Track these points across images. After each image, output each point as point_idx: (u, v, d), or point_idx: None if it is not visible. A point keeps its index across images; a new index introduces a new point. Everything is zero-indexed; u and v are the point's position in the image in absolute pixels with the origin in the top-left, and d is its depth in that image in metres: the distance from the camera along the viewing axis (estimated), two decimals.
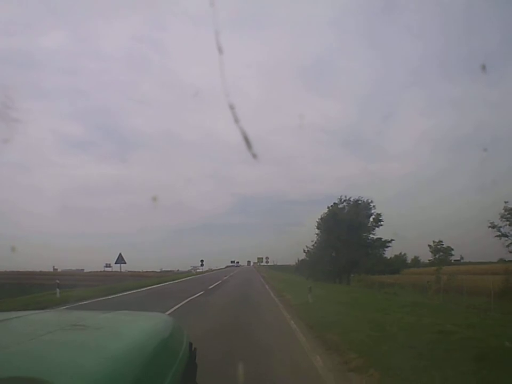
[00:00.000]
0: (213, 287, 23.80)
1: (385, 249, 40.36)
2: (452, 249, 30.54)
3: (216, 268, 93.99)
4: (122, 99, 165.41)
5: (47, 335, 1.63)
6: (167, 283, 29.40)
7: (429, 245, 28.74)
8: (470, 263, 58.00)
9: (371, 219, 40.38)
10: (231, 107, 4.10)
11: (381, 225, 40.09)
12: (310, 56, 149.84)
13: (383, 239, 40.21)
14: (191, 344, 2.16)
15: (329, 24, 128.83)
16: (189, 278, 40.96)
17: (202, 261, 63.45)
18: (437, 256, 29.20)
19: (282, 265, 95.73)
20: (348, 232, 39.15)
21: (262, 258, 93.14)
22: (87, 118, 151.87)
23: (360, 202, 41.79)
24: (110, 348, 1.48)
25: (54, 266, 75.47)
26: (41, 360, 1.25)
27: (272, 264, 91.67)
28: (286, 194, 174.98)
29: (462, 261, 60.11)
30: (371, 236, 40.57)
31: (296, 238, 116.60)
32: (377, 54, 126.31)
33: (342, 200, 42.55)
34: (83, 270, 78.09)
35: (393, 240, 40.16)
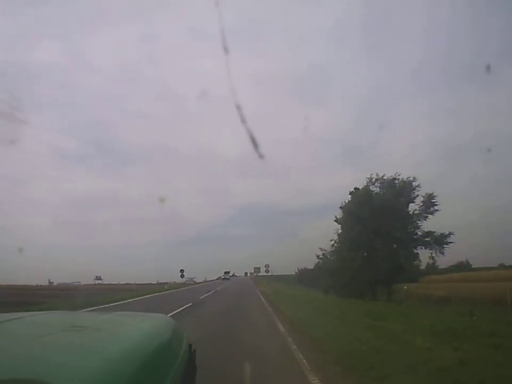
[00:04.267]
0: None
1: (444, 247, 27.47)
2: None
3: (205, 280, 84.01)
4: (118, 112, 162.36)
5: (48, 336, 1.60)
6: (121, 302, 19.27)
7: None
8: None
9: (419, 203, 27.60)
10: (238, 107, 4.29)
11: (436, 210, 27.28)
12: (307, 66, 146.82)
13: (436, 233, 27.44)
14: (190, 346, 2.06)
15: (328, 35, 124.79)
16: (160, 294, 28.52)
17: (182, 270, 50.75)
18: None
19: (280, 275, 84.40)
20: (388, 223, 26.58)
21: (259, 268, 79.02)
22: (82, 131, 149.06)
23: (397, 182, 29.17)
24: (110, 349, 1.44)
25: (49, 280, 74.22)
26: (42, 361, 1.22)
27: (269, 274, 79.32)
28: (283, 205, 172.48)
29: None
30: (420, 228, 27.81)
31: (294, 248, 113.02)
32: (378, 62, 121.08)
33: (373, 180, 29.86)
34: (79, 283, 75.37)
35: (452, 234, 27.40)
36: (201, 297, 24.01)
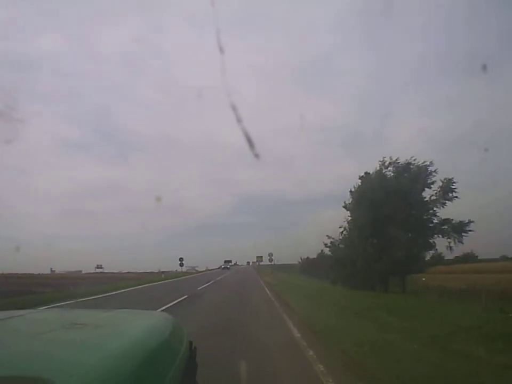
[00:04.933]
0: None
1: (463, 235, 25.46)
2: None
3: (207, 269, 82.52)
4: (121, 101, 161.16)
5: (48, 333, 1.57)
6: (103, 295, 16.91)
7: None
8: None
9: (436, 189, 25.50)
10: (233, 107, 4.39)
11: (455, 197, 25.22)
12: (308, 58, 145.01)
13: (454, 221, 25.40)
14: (191, 343, 1.98)
15: (328, 26, 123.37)
16: (152, 284, 26.70)
17: (181, 259, 48.90)
18: None
19: (283, 264, 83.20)
20: (403, 209, 24.58)
21: (262, 257, 77.05)
22: (85, 120, 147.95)
23: (412, 166, 27.07)
24: (111, 346, 1.41)
25: (51, 268, 75.22)
26: (42, 358, 1.21)
27: (272, 263, 77.75)
28: (286, 194, 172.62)
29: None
30: (437, 215, 25.75)
31: (297, 237, 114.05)
32: (375, 54, 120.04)
33: (387, 163, 27.70)
34: (81, 271, 76.85)
35: (472, 222, 25.33)
36: (199, 288, 21.98)
